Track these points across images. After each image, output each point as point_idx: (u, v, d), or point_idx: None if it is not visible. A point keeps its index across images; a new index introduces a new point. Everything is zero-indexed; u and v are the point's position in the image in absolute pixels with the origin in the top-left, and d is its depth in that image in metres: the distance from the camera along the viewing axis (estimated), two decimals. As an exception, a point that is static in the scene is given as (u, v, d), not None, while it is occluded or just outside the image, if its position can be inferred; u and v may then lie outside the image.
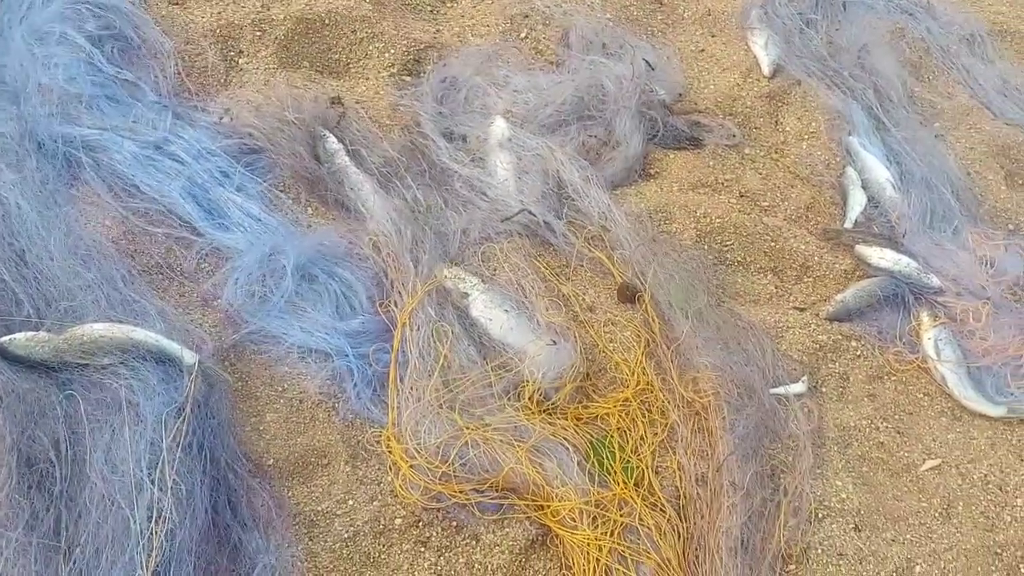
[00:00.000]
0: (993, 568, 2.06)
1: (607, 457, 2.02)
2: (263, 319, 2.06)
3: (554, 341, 2.13)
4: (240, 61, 2.75)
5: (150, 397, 1.81)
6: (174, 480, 1.70)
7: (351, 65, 2.87)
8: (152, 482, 1.66)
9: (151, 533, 1.61)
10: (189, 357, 1.89)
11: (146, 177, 2.25)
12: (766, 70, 3.05)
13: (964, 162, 3.00)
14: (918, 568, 2.03)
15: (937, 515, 2.15)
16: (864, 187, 2.75)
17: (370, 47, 2.89)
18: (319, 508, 1.88)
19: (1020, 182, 3.07)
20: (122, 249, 2.12)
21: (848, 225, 2.68)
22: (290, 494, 1.89)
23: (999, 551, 2.09)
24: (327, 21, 2.89)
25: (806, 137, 2.92)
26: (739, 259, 2.58)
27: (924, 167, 2.85)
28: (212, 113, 2.50)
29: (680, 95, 3.00)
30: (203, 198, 2.27)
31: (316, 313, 2.11)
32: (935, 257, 2.62)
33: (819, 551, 2.02)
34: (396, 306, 2.17)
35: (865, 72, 3.13)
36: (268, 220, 2.25)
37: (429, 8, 3.16)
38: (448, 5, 3.20)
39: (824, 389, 2.34)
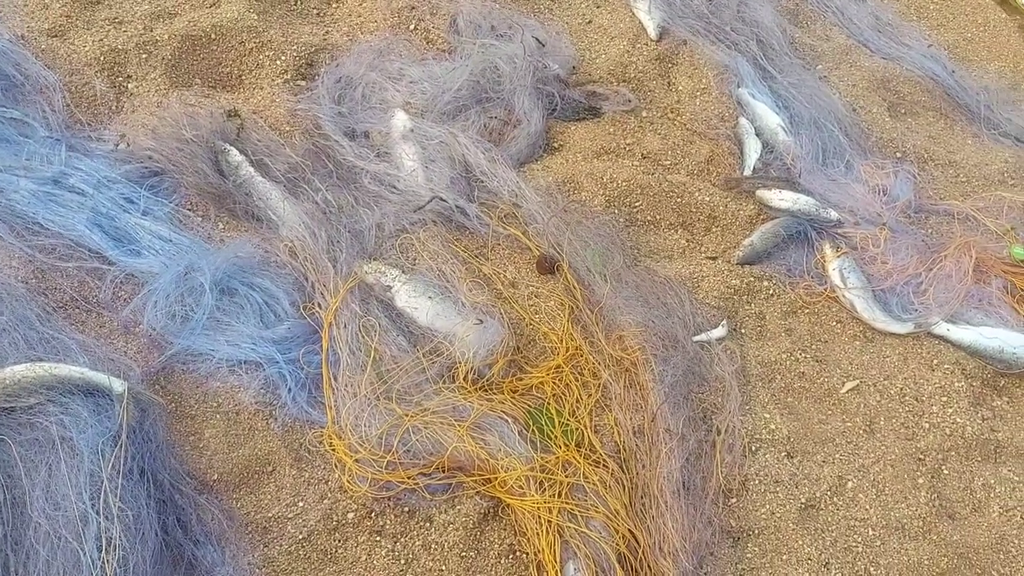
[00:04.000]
0: (918, 473, 2.19)
1: (546, 424, 2.08)
2: (188, 338, 2.05)
3: (480, 320, 2.18)
4: (129, 86, 2.71)
5: (83, 430, 1.79)
6: (119, 507, 1.70)
7: (243, 76, 2.85)
8: (97, 512, 1.65)
9: (103, 563, 1.61)
10: (118, 385, 1.88)
11: (48, 213, 2.21)
12: (652, 34, 3.14)
13: (848, 99, 3.15)
14: (849, 483, 2.16)
15: (861, 432, 2.28)
16: (758, 135, 2.87)
17: (260, 56, 2.87)
18: (270, 514, 1.90)
19: (903, 111, 3.24)
20: (33, 288, 2.08)
21: (747, 172, 2.79)
22: (239, 505, 1.90)
23: (921, 457, 2.23)
24: (213, 36, 2.86)
25: (698, 94, 3.01)
26: (649, 218, 2.66)
27: (811, 109, 2.98)
28: (107, 141, 2.46)
29: (574, 68, 3.06)
30: (110, 227, 2.24)
31: (241, 325, 2.11)
32: (831, 192, 2.76)
33: (756, 481, 2.12)
34: (320, 307, 2.19)
35: (746, 25, 3.25)
36: (179, 240, 2.24)
37: (315, 11, 3.15)
38: (334, 6, 3.20)
39: (743, 330, 2.45)
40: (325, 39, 2.99)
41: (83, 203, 2.25)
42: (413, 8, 3.13)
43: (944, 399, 2.35)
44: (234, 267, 2.20)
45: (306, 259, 2.25)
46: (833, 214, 2.67)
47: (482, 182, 2.55)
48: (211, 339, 2.07)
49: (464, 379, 2.11)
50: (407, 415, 1.99)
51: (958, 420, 2.30)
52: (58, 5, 2.86)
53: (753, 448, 2.18)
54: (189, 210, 2.37)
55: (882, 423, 2.30)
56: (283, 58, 2.87)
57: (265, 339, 2.08)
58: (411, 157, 2.57)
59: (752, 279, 2.53)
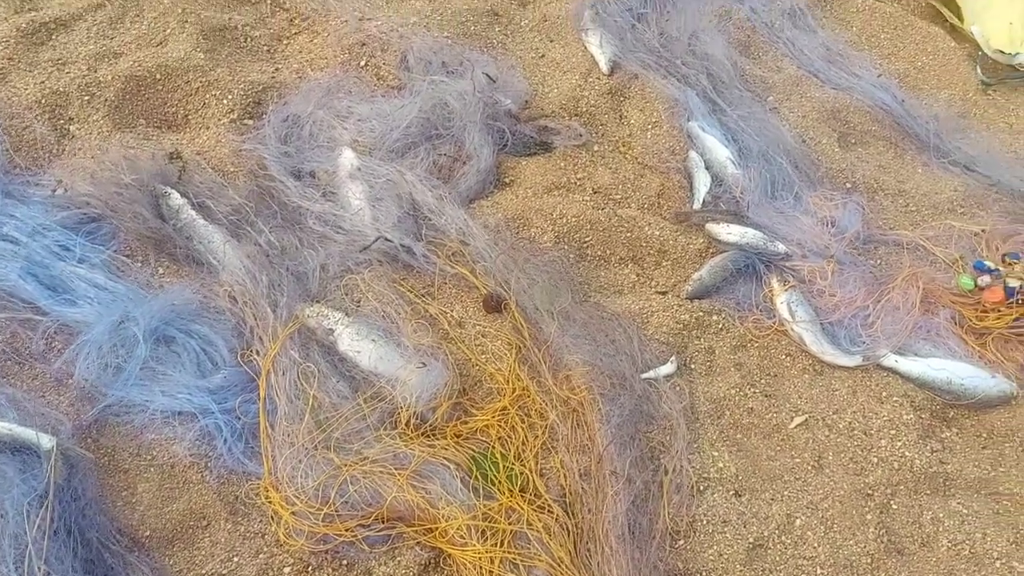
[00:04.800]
0: (867, 508, 2.18)
1: (490, 468, 2.05)
2: (121, 390, 2.01)
3: (423, 363, 2.15)
4: (71, 128, 2.68)
5: (7, 489, 1.75)
6: (44, 571, 1.66)
7: (189, 116, 2.83)
8: (20, 577, 1.61)
9: (24, 630, 1.56)
10: (46, 441, 1.84)
11: (-21, 264, 2.17)
12: (604, 68, 3.15)
13: (798, 130, 3.16)
14: (798, 521, 2.14)
15: (810, 468, 2.26)
16: (707, 168, 2.87)
17: (207, 96, 2.85)
18: (204, 571, 1.85)
19: (852, 141, 3.26)
20: (-38, 341, 2.05)
21: (697, 206, 2.79)
22: (172, 562, 1.85)
23: (870, 492, 2.22)
24: (158, 76, 2.84)
25: (649, 128, 3.02)
26: (599, 254, 2.65)
27: (760, 141, 2.99)
28: (45, 186, 2.42)
29: (526, 102, 3.07)
30: (44, 276, 2.19)
31: (177, 374, 2.07)
32: (780, 225, 2.76)
33: (704, 522, 2.10)
34: (259, 354, 2.15)
35: (697, 58, 3.27)
36: (115, 288, 2.20)
37: (266, 49, 3.14)
38: (285, 43, 3.19)
39: (693, 366, 2.44)
40: (274, 77, 2.98)
41: (16, 252, 2.21)
42: (364, 45, 3.12)
43: (893, 432, 2.34)
44: (171, 314, 2.16)
45: (246, 304, 2.22)
46: (781, 247, 2.67)
47: (430, 220, 2.53)
48: (146, 390, 2.03)
49: (406, 425, 2.08)
50: (345, 464, 1.96)
51: (907, 453, 2.29)
52: (0, 47, 2.84)
53: (701, 487, 2.16)
54: (127, 256, 2.33)
55: (831, 458, 2.29)
56: (229, 97, 2.85)
57: (201, 388, 2.04)
58: (358, 196, 2.55)
59: (701, 314, 2.52)
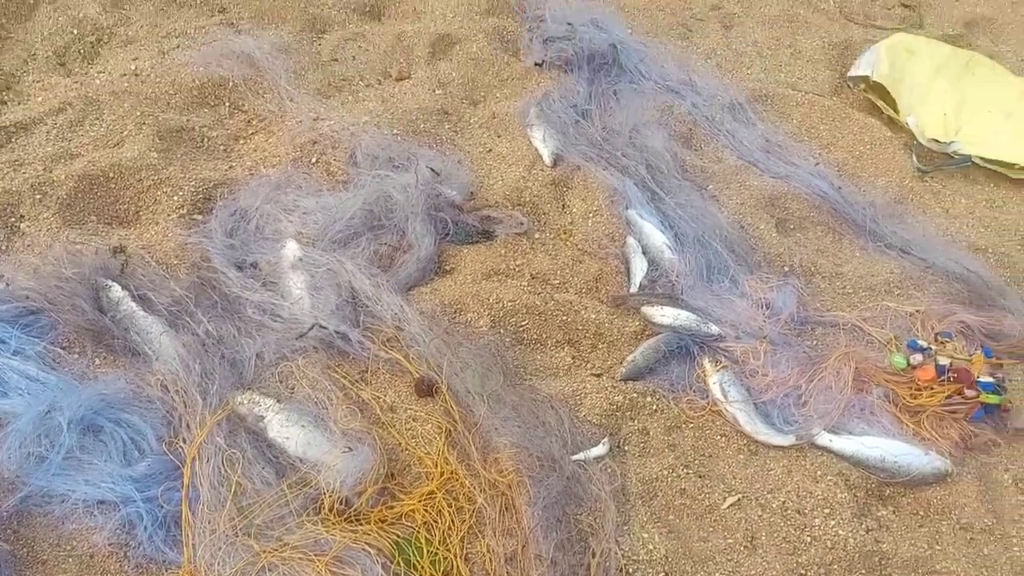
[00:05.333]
0: (799, 589, 2.16)
1: (413, 554, 2.04)
2: (43, 479, 2.02)
3: (349, 447, 2.17)
4: (22, 226, 2.76)
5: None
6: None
7: (140, 213, 2.92)
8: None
9: None
10: (-38, 533, 1.83)
11: (-88, 359, 2.20)
12: (547, 160, 3.28)
13: (737, 217, 3.26)
14: (730, 603, 2.12)
15: (743, 548, 2.25)
16: (644, 253, 2.95)
17: (158, 193, 2.95)
18: (115, 664, 1.82)
19: (791, 227, 3.35)
20: None
21: (633, 290, 2.86)
22: (83, 655, 1.82)
23: (803, 572, 2.21)
24: (111, 174, 2.94)
25: (590, 215, 3.11)
26: (535, 337, 2.70)
27: (697, 227, 3.08)
28: (-13, 283, 2.49)
29: (472, 194, 3.17)
30: (-21, 369, 2.23)
31: (102, 463, 2.08)
32: (714, 307, 2.82)
33: (632, 606, 2.08)
34: (185, 442, 2.17)
35: (637, 150, 3.39)
36: (47, 379, 2.23)
37: (222, 148, 3.27)
38: (241, 142, 3.32)
39: (627, 447, 2.45)
40: (226, 174, 3.08)
41: (-50, 345, 2.25)
42: (315, 143, 3.25)
43: (827, 511, 2.34)
44: (101, 404, 2.18)
45: (177, 392, 2.25)
46: (714, 329, 2.73)
47: (367, 307, 2.59)
48: (69, 479, 2.03)
49: (330, 510, 2.08)
50: (264, 551, 1.95)
51: (840, 532, 2.29)
52: (-40, 150, 2.95)
53: (630, 570, 2.14)
54: (63, 348, 2.37)
55: (764, 538, 2.28)
56: (180, 194, 2.95)
57: (124, 477, 2.05)
58: (298, 286, 2.62)
59: (635, 395, 2.55)
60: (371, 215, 2.89)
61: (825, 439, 2.53)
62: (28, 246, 2.67)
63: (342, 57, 3.85)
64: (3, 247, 2.67)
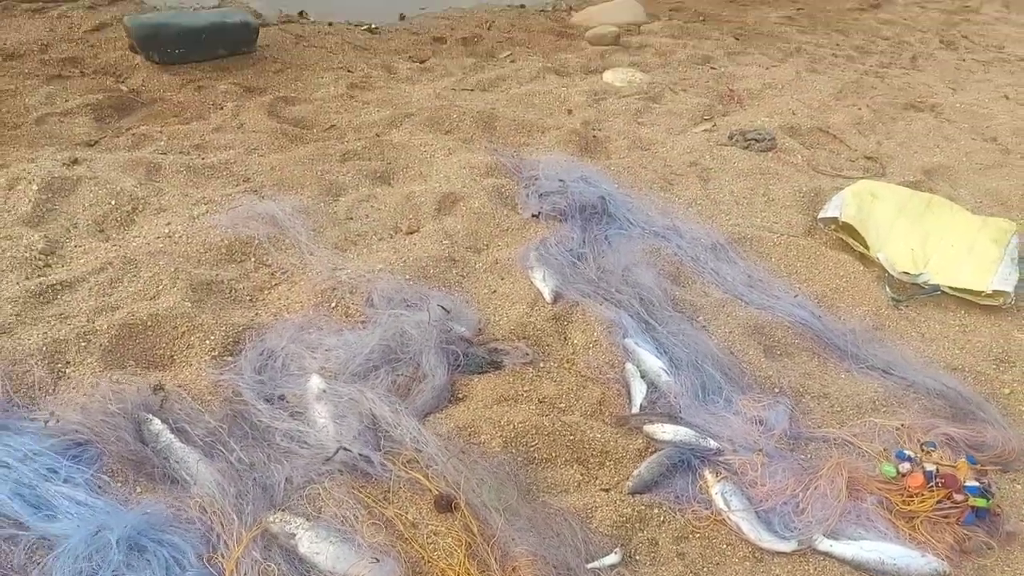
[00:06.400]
0: None
1: (440, 658, 2.14)
2: (92, 595, 2.14)
3: (376, 558, 2.30)
4: (67, 371, 2.98)
5: None
6: None
7: (175, 356, 3.15)
8: None
9: None
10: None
11: (-29, 487, 2.37)
12: (548, 298, 3.56)
13: (726, 344, 3.51)
14: None
15: (754, 650, 2.34)
16: (643, 377, 3.18)
17: (191, 338, 3.20)
18: None
19: (778, 353, 3.59)
20: (-55, 558, 2.20)
21: (635, 410, 3.06)
22: None
23: (814, 670, 2.28)
24: (149, 323, 3.20)
25: (590, 346, 3.36)
26: (545, 456, 2.87)
27: (690, 353, 3.32)
28: (38, 419, 2.68)
29: (479, 330, 3.43)
30: (30, 496, 2.39)
31: (146, 579, 2.21)
32: (711, 424, 3.01)
33: None
34: (223, 557, 2.30)
35: (630, 287, 3.69)
36: (95, 503, 2.39)
37: (248, 298, 3.55)
38: (266, 292, 3.60)
39: (638, 556, 2.57)
40: (253, 319, 3.35)
41: (7, 475, 2.42)
42: (334, 289, 3.54)
43: (833, 612, 2.44)
44: (145, 524, 2.33)
45: (214, 513, 2.40)
46: (713, 443, 2.91)
47: (387, 432, 2.78)
48: (116, 595, 2.16)
49: (360, 619, 2.19)
50: (299, 656, 2.05)
51: (847, 631, 2.38)
52: (10, 307, 3.22)
53: (647, 672, 2.22)
54: (108, 476, 2.54)
55: (774, 639, 2.37)
56: (212, 338, 3.20)
57: (168, 591, 2.17)
58: (323, 415, 2.82)
59: (643, 507, 2.70)
60: (388, 349, 3.13)
61: (825, 544, 2.66)
62: (73, 387, 2.87)
63: (356, 216, 4.22)
64: (51, 389, 2.88)
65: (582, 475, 2.85)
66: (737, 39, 7.99)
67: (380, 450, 2.72)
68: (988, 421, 3.30)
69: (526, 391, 3.12)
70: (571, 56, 6.98)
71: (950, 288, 4.10)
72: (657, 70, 6.87)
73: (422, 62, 6.56)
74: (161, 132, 4.93)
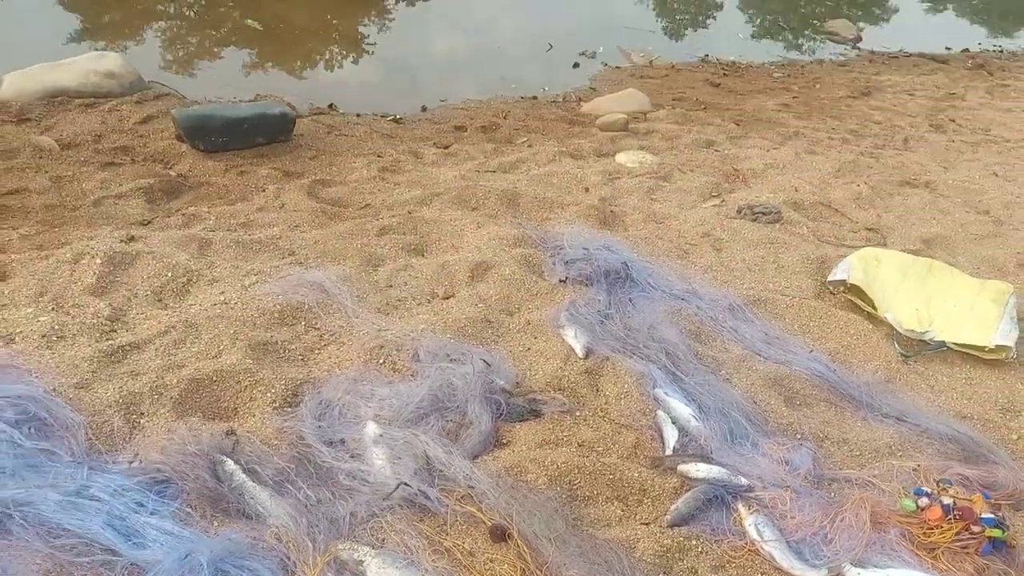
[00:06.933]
0: None
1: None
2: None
3: (442, 579, 2.50)
4: (142, 421, 3.23)
5: None
6: None
7: (239, 408, 3.39)
8: None
9: None
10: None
11: (69, 519, 2.58)
12: (580, 353, 3.82)
13: (749, 395, 3.75)
14: None
15: (794, 666, 2.50)
16: (674, 423, 3.41)
17: (254, 391, 3.44)
18: None
19: (797, 403, 3.83)
20: (51, 581, 2.41)
21: (668, 452, 3.28)
22: None
23: None
24: (215, 378, 3.46)
25: (622, 397, 3.60)
26: (587, 494, 3.08)
27: (717, 401, 3.56)
28: (123, 460, 2.91)
29: (517, 383, 3.67)
30: (121, 526, 2.60)
31: (233, 602, 2.40)
32: (741, 465, 3.23)
33: None
34: (302, 578, 2.50)
35: (656, 342, 3.95)
36: (181, 533, 2.60)
37: (300, 357, 3.81)
38: (316, 352, 3.86)
39: (679, 584, 2.77)
40: (308, 375, 3.60)
41: (100, 508, 2.64)
42: (382, 347, 3.80)
43: (865, 631, 2.61)
44: (228, 552, 2.53)
45: (289, 542, 2.61)
46: (744, 480, 3.12)
47: (441, 472, 3.00)
48: (207, 612, 2.35)
49: (430, 633, 2.37)
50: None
51: (879, 648, 2.55)
52: (86, 365, 3.48)
53: None
54: (190, 510, 2.75)
55: (812, 655, 2.53)
56: (273, 391, 3.45)
57: (254, 609, 2.36)
58: (380, 457, 3.05)
59: (682, 539, 2.90)
60: (436, 399, 3.38)
61: (854, 572, 2.84)
62: (148, 436, 3.11)
63: (396, 283, 4.52)
64: (128, 437, 3.11)
65: (623, 511, 3.05)
66: (738, 124, 8.46)
67: (435, 487, 2.93)
68: (999, 463, 3.52)
69: (565, 436, 3.34)
70: (584, 141, 7.42)
71: (955, 344, 4.36)
72: (665, 152, 7.29)
73: (446, 148, 6.99)
74: (209, 212, 5.29)
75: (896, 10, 15.19)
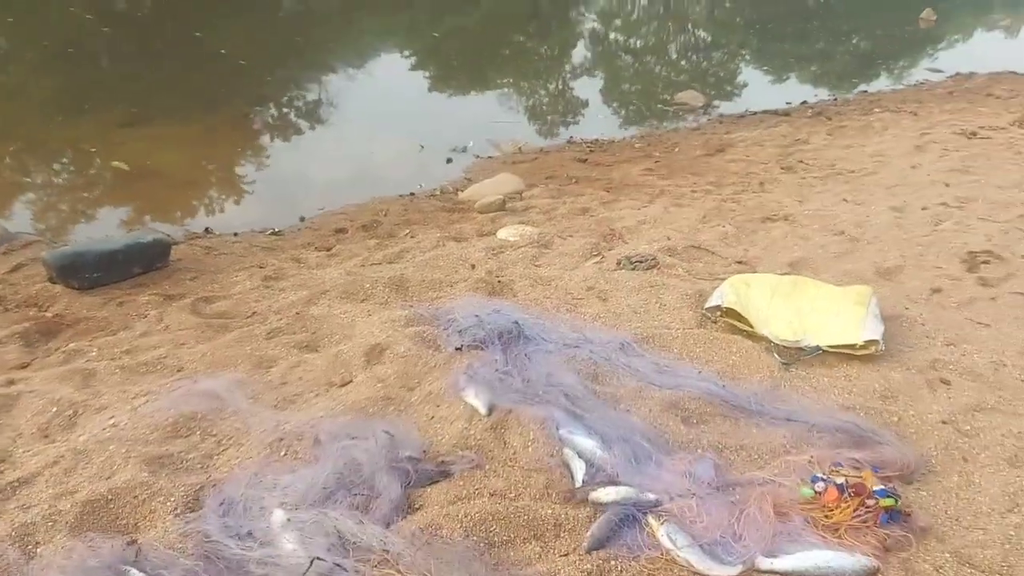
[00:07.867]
0: None
1: None
2: None
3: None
4: (38, 550, 3.08)
5: None
6: None
7: (139, 522, 3.28)
8: None
9: None
10: None
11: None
12: (483, 411, 3.88)
13: (648, 421, 3.88)
14: None
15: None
16: (580, 456, 3.49)
17: (153, 503, 3.34)
18: None
19: (694, 421, 3.98)
20: None
21: (578, 485, 3.35)
22: None
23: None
24: (110, 496, 3.35)
25: (528, 444, 3.67)
26: (504, 539, 3.10)
27: (618, 430, 3.67)
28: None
29: (425, 451, 3.68)
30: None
31: None
32: (647, 483, 3.32)
33: None
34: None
35: (554, 387, 4.06)
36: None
37: (199, 465, 3.72)
38: (215, 458, 3.79)
39: (605, 606, 2.80)
40: (208, 478, 3.52)
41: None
42: (281, 439, 3.76)
43: (784, 615, 2.70)
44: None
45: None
46: (651, 496, 3.22)
47: (354, 543, 2.97)
48: None
49: None
50: None
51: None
52: (-35, 506, 3.32)
53: None
54: (92, 627, 2.63)
55: (740, 645, 2.59)
56: (172, 499, 3.36)
57: None
58: (291, 540, 3.00)
59: (601, 561, 2.94)
60: (342, 476, 3.36)
61: (767, 563, 2.95)
62: (47, 564, 2.97)
63: (290, 380, 4.50)
64: (24, 568, 2.96)
65: (541, 548, 3.08)
66: (608, 191, 8.89)
67: (351, 558, 2.90)
68: (885, 443, 3.74)
69: (476, 489, 3.37)
70: (465, 225, 7.65)
71: (829, 346, 4.65)
72: (544, 223, 7.59)
73: (328, 250, 7.08)
74: (91, 345, 5.16)
75: (743, 80, 16.37)
